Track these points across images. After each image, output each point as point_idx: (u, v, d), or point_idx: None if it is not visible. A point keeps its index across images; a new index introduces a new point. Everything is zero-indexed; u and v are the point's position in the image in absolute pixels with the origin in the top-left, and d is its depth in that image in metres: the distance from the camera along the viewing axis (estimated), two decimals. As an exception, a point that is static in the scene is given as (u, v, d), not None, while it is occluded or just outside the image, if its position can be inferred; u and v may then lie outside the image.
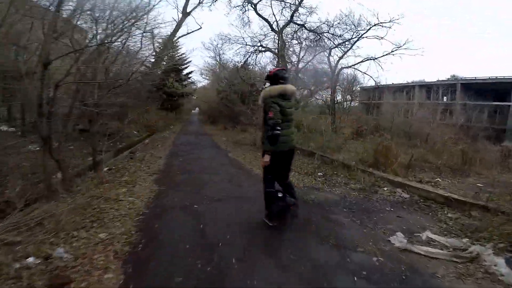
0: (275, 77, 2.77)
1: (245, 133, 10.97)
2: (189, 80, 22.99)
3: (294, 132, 2.89)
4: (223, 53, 18.54)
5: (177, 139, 10.58)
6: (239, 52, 18.02)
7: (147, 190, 3.98)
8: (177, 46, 22.33)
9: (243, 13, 11.33)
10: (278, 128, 2.52)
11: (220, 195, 3.84)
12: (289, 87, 2.75)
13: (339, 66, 11.43)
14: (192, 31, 17.43)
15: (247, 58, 12.03)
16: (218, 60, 17.33)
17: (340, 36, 10.56)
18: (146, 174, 5.02)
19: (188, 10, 17.16)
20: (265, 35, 11.36)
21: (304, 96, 14.92)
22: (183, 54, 22.86)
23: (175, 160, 6.65)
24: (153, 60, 19.75)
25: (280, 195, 2.77)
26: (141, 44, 7.43)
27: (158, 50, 20.26)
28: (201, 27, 16.58)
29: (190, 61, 23.62)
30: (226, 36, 12.22)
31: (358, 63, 11.14)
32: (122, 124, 14.17)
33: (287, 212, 2.89)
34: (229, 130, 14.00)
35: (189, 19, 21.55)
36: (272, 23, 11.01)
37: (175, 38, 18.54)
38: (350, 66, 11.56)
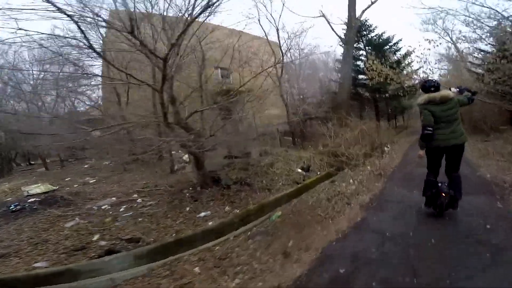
0: (423, 88, 3.30)
1: None
2: (411, 67, 14.21)
3: (456, 131, 3.08)
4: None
5: (368, 222, 3.39)
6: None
7: None
8: (367, 24, 14.78)
9: None
10: (429, 128, 3.01)
11: None
12: (438, 94, 3.11)
13: None
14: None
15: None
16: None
17: None
18: None
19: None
20: None
21: None
22: (382, 32, 14.85)
23: None
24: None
25: (439, 184, 3.20)
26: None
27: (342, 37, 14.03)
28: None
29: (400, 40, 14.92)
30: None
31: None
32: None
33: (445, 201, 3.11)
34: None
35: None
36: None
37: (359, 15, 13.23)
38: None
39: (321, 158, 7.62)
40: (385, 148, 8.83)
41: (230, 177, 5.74)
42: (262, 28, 19.91)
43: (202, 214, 4.43)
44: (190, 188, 5.79)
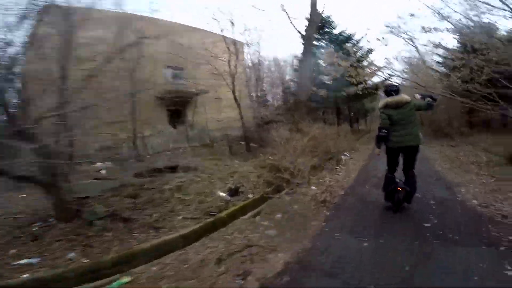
0: (385, 92, 3.55)
1: None
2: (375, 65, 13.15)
3: (411, 133, 3.26)
4: None
5: None
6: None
7: None
8: (330, 21, 13.76)
9: None
10: (383, 131, 3.29)
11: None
12: (394, 98, 3.32)
13: None
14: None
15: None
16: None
17: None
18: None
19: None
20: None
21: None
22: (344, 30, 13.86)
23: None
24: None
25: (397, 180, 3.40)
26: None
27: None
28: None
29: (362, 37, 14.06)
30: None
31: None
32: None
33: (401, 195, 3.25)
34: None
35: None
36: None
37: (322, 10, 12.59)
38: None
39: (260, 173, 5.86)
40: (342, 157, 7.32)
41: (95, 210, 3.78)
42: (219, 24, 18.08)
43: (24, 261, 2.56)
44: (50, 220, 3.84)
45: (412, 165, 3.37)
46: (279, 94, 24.88)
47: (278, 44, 28.29)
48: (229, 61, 12.36)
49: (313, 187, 4.70)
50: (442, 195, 3.65)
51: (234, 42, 12.68)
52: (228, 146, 11.45)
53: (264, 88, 24.33)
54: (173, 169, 6.91)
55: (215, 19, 12.52)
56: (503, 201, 3.12)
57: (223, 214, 3.93)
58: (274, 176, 5.59)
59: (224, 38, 12.65)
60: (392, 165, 3.47)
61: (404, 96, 3.34)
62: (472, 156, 6.25)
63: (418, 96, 3.64)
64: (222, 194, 4.91)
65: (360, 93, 9.36)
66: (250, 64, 19.79)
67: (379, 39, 6.32)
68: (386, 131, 3.25)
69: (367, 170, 5.88)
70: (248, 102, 18.00)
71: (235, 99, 11.84)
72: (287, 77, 22.27)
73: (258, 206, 4.43)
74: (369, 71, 10.10)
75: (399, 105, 3.27)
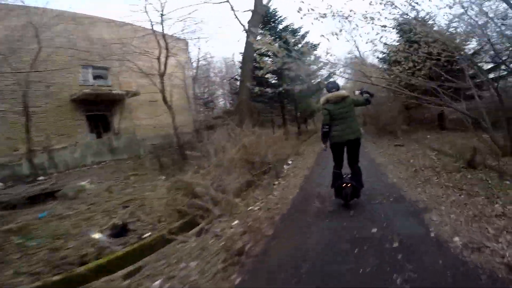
0: (327, 88, 3.65)
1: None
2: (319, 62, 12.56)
3: (350, 127, 3.38)
4: None
5: None
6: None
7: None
8: (276, 15, 13.05)
9: None
10: (326, 127, 3.42)
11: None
12: (333, 94, 3.47)
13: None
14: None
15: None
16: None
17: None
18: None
19: None
20: None
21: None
22: (290, 24, 13.21)
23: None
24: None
25: (343, 176, 3.47)
26: None
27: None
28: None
29: (307, 32, 13.43)
30: None
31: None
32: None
33: (348, 190, 3.33)
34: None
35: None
36: None
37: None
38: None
39: (174, 198, 4.28)
40: (285, 166, 6.10)
41: None
42: (149, 17, 15.76)
43: None
44: None
45: (356, 159, 3.49)
46: (227, 95, 23.46)
47: (231, 44, 26.85)
48: (158, 58, 10.49)
49: (236, 221, 3.28)
50: (409, 230, 2.43)
51: (164, 36, 10.79)
52: (156, 159, 9.51)
53: (211, 89, 22.65)
54: (52, 195, 4.92)
55: (145, 12, 10.44)
56: (498, 238, 2.02)
57: (82, 269, 2.35)
58: (192, 202, 4.05)
59: (154, 31, 10.73)
60: (337, 160, 3.54)
61: (343, 92, 3.52)
62: (423, 158, 5.52)
63: (357, 92, 3.81)
64: (96, 235, 3.23)
65: (303, 88, 8.38)
66: (193, 63, 17.99)
67: (317, 19, 5.18)
68: (328, 127, 3.39)
69: (311, 185, 4.66)
70: (190, 105, 16.16)
71: (165, 100, 10.00)
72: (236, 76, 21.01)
73: (148, 254, 2.89)
74: (315, 67, 9.24)
75: (338, 100, 3.42)
